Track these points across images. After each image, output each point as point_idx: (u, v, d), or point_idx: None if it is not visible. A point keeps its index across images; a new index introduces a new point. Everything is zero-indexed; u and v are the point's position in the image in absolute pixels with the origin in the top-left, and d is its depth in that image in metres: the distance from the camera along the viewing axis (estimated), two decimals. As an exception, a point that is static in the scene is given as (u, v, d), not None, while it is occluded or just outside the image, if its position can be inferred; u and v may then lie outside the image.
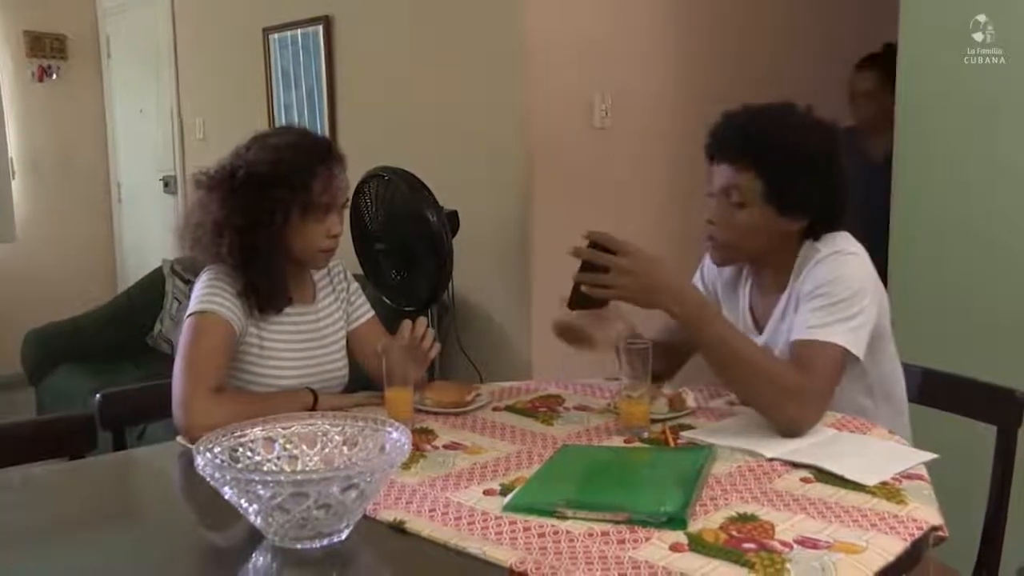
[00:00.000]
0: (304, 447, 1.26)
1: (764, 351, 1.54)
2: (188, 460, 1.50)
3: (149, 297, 4.34)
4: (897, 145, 2.49)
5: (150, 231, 5.37)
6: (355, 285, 1.96)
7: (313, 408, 1.69)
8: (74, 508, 1.34)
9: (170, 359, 1.75)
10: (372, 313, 1.96)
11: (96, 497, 1.47)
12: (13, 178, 5.27)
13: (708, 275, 1.90)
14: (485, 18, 3.17)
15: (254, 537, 1.14)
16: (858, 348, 1.53)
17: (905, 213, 2.46)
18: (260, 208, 1.70)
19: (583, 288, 1.52)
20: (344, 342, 1.90)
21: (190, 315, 1.71)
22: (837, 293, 1.54)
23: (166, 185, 5.16)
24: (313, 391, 1.73)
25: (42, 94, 5.36)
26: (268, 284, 1.73)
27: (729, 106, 1.70)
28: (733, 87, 3.31)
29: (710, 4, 3.42)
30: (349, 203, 1.84)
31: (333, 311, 1.89)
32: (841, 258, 1.59)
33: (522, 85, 3.04)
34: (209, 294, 1.71)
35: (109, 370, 3.94)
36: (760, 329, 1.73)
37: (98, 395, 1.78)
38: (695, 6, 3.33)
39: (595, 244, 1.50)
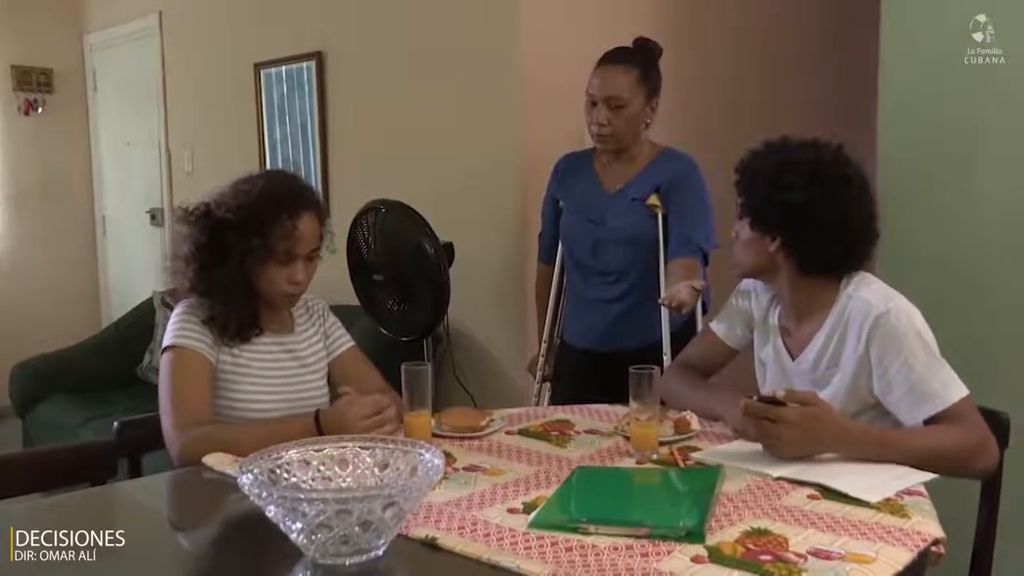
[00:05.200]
0: (337, 468, 1.31)
1: (926, 432, 1.62)
2: (213, 484, 1.56)
3: (138, 329, 4.37)
4: (882, 176, 2.54)
5: (136, 263, 5.39)
6: (333, 319, 2.03)
7: (317, 423, 1.69)
8: (118, 530, 1.37)
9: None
10: (352, 343, 2.02)
11: (135, 519, 1.51)
12: (-2, 210, 5.30)
13: (742, 313, 1.94)
14: (480, 51, 3.25)
15: (291, 555, 1.19)
16: (963, 385, 1.64)
17: (893, 238, 2.50)
18: (221, 249, 1.79)
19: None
20: (325, 372, 1.96)
21: (163, 351, 1.81)
22: (918, 351, 1.63)
23: (153, 218, 5.19)
24: (316, 414, 1.72)
25: (28, 127, 5.39)
26: (227, 316, 1.81)
27: (723, 136, 1.80)
28: (730, 118, 3.43)
29: (705, 36, 3.52)
30: (320, 251, 1.88)
31: (315, 341, 1.96)
32: (902, 312, 1.66)
33: (517, 117, 3.12)
34: (178, 328, 1.81)
35: (98, 401, 3.95)
36: (792, 356, 1.81)
37: (116, 423, 1.83)
38: (690, 38, 3.42)
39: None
